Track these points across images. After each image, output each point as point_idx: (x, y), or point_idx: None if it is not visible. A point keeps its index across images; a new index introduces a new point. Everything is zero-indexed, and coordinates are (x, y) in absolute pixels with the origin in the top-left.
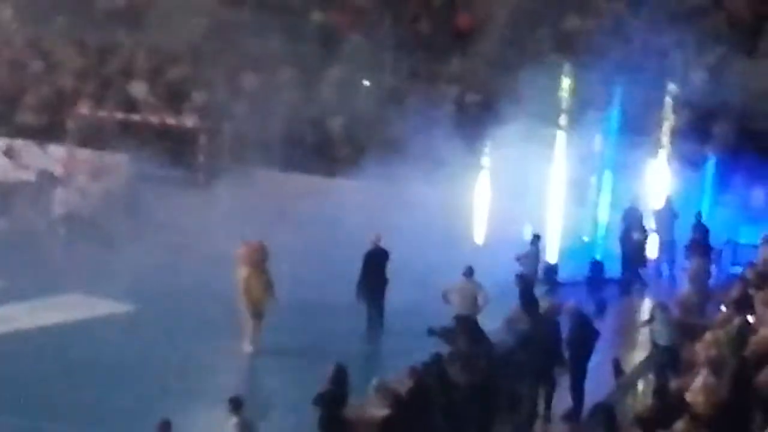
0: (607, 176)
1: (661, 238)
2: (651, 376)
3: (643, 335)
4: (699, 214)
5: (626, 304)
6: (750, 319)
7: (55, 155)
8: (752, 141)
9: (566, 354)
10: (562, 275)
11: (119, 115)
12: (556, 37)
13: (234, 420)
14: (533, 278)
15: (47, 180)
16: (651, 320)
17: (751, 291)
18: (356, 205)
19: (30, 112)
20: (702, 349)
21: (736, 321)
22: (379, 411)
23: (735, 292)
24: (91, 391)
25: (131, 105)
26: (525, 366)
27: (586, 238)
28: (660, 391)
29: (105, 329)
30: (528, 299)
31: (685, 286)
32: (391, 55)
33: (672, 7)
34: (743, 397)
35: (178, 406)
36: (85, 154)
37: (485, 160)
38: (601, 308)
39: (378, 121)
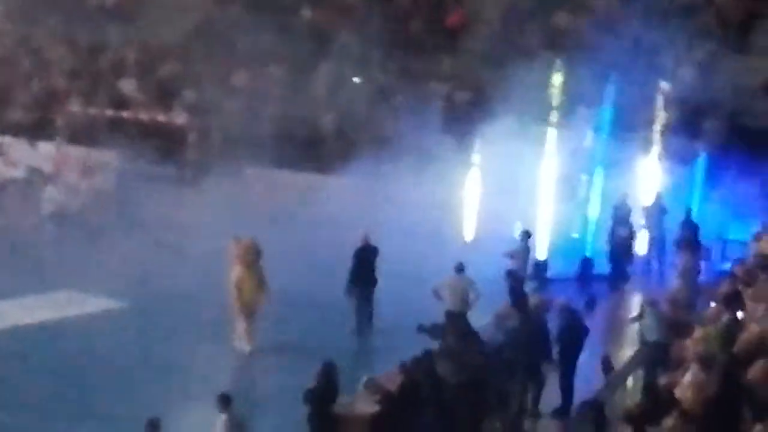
0: (598, 173)
1: (650, 234)
2: (640, 373)
3: (633, 331)
4: (689, 211)
5: (616, 300)
6: (739, 315)
7: (45, 152)
8: (742, 137)
9: (556, 350)
10: (552, 272)
11: (109, 113)
12: (546, 33)
13: (223, 417)
14: (523, 275)
15: (37, 177)
16: (640, 316)
17: (741, 287)
18: (346, 201)
19: (20, 110)
20: (691, 345)
21: (725, 317)
22: (368, 407)
23: (724, 288)
24: (82, 388)
25: (121, 102)
26: (514, 362)
27: (575, 235)
28: (649, 388)
29: (95, 326)
30: (517, 296)
31: (674, 283)
32: (382, 53)
33: (662, 3)
34: (732, 393)
35: (167, 403)
36: (75, 151)
37: (475, 157)
38: (590, 305)
39: (368, 119)
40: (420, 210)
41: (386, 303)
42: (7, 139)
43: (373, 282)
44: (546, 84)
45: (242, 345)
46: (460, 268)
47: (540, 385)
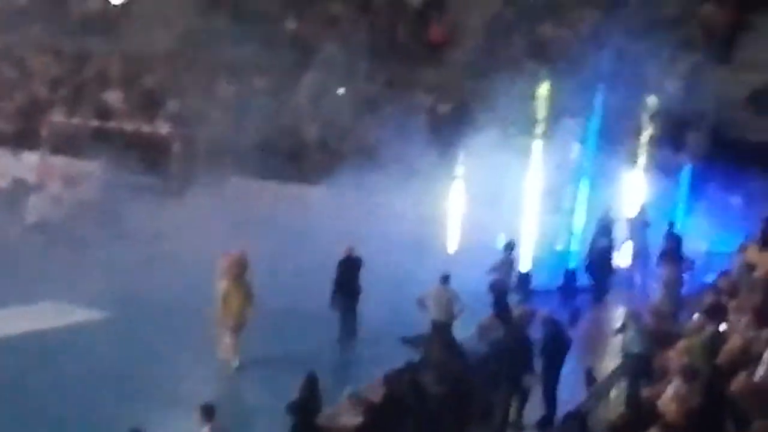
0: (582, 184)
1: (634, 246)
2: (623, 384)
3: (616, 343)
4: (672, 222)
5: (599, 312)
6: (722, 327)
7: (28, 163)
8: (726, 150)
9: (539, 362)
10: (536, 283)
11: (93, 123)
12: (531, 45)
13: (206, 428)
14: (507, 286)
15: (21, 187)
16: (624, 328)
17: (725, 299)
18: (330, 213)
19: (3, 120)
20: (674, 357)
21: (709, 329)
22: (352, 419)
23: (708, 300)
24: (66, 398)
25: (105, 112)
26: (498, 374)
27: (559, 247)
28: (632, 399)
29: (79, 337)
30: (501, 307)
31: (657, 294)
32: (366, 64)
33: (647, 15)
34: (715, 405)
35: (151, 414)
36: (58, 161)
37: (459, 169)
38: (574, 316)
39: (352, 130)
40: (404, 221)
41: (370, 314)
42: None
43: (356, 293)
44: (530, 96)
45: (227, 359)
46: (445, 279)
47: (523, 396)
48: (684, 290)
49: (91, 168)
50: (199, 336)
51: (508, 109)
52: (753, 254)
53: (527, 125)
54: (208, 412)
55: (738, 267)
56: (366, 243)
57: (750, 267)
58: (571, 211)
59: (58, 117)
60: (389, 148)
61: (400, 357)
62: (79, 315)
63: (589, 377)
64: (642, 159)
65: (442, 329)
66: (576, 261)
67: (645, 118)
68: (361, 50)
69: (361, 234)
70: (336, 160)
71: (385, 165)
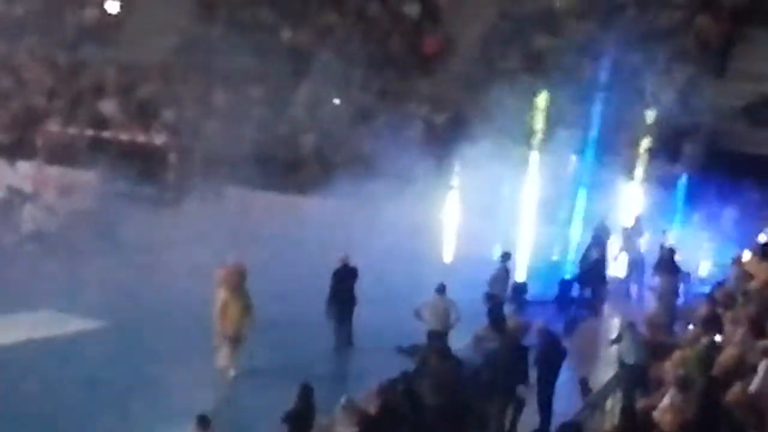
0: (578, 195)
1: (629, 256)
2: (619, 395)
3: (611, 354)
4: (668, 233)
5: (595, 322)
6: (718, 338)
7: (24, 172)
8: (722, 161)
9: (534, 372)
10: (532, 294)
11: (89, 133)
12: (526, 56)
13: None
14: (502, 297)
15: (16, 197)
16: (619, 339)
17: (720, 310)
18: (326, 223)
19: None
20: (670, 367)
21: (704, 340)
22: (346, 429)
23: (703, 311)
24: (60, 408)
25: (101, 122)
26: (493, 384)
27: (555, 257)
28: (627, 410)
29: (74, 346)
30: (496, 317)
31: (653, 305)
32: (361, 74)
33: (642, 27)
34: (710, 416)
35: (146, 424)
36: (54, 171)
37: (455, 179)
38: (569, 327)
39: (348, 140)
40: (399, 231)
41: (365, 324)
42: None
43: (352, 302)
44: (526, 107)
45: (225, 368)
46: (441, 289)
47: (519, 406)
48: (679, 301)
49: (87, 178)
50: (195, 345)
51: (504, 119)
52: (752, 265)
53: (523, 136)
54: (204, 422)
55: (733, 278)
56: (361, 253)
57: (748, 277)
58: (567, 222)
59: (53, 126)
60: (384, 158)
61: (396, 367)
62: (75, 324)
63: (585, 388)
64: (638, 170)
65: (438, 339)
66: (571, 271)
67: (641, 129)
68: (356, 60)
69: (357, 244)
70: (331, 170)
71: (381, 175)
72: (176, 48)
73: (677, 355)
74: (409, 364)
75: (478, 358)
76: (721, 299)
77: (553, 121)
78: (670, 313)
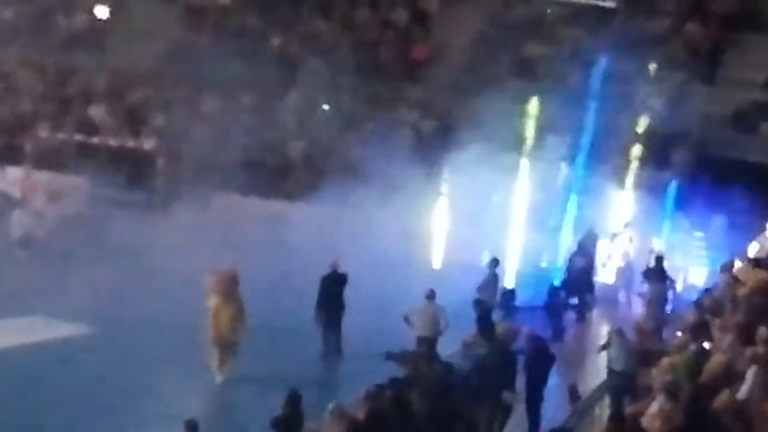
0: (568, 202)
1: (618, 263)
2: (607, 401)
3: (600, 360)
4: (657, 240)
5: (583, 329)
6: (706, 345)
7: (13, 177)
8: (711, 168)
9: (523, 379)
10: (520, 300)
11: (78, 138)
12: (516, 63)
13: None
14: (491, 303)
15: (5, 202)
16: (607, 345)
17: (708, 317)
18: (315, 229)
19: None
20: (658, 374)
21: (692, 347)
22: None
23: (691, 318)
24: (49, 413)
25: (90, 127)
26: (481, 390)
27: (544, 264)
28: (616, 417)
29: (63, 352)
30: (485, 324)
31: (641, 312)
32: (350, 81)
33: (631, 34)
34: (698, 423)
35: (135, 429)
36: (43, 176)
37: (444, 186)
38: (558, 333)
39: (337, 146)
40: (388, 237)
41: (354, 330)
42: None
43: (340, 309)
44: (516, 113)
45: (219, 376)
46: (430, 295)
47: (507, 413)
48: (668, 308)
49: (76, 183)
50: (184, 351)
51: (493, 126)
52: (743, 272)
53: (512, 143)
54: (192, 428)
55: (722, 285)
56: (350, 259)
57: (737, 283)
58: (556, 229)
59: (42, 132)
60: (373, 164)
61: (384, 373)
62: (64, 330)
63: (574, 394)
64: (627, 177)
65: (427, 345)
66: (560, 278)
67: (630, 136)
68: (345, 67)
69: (345, 250)
70: (320, 176)
71: (369, 181)
72: (165, 54)
73: (665, 361)
74: (398, 371)
75: (467, 364)
76: (710, 306)
77: (542, 127)
78: (659, 319)
